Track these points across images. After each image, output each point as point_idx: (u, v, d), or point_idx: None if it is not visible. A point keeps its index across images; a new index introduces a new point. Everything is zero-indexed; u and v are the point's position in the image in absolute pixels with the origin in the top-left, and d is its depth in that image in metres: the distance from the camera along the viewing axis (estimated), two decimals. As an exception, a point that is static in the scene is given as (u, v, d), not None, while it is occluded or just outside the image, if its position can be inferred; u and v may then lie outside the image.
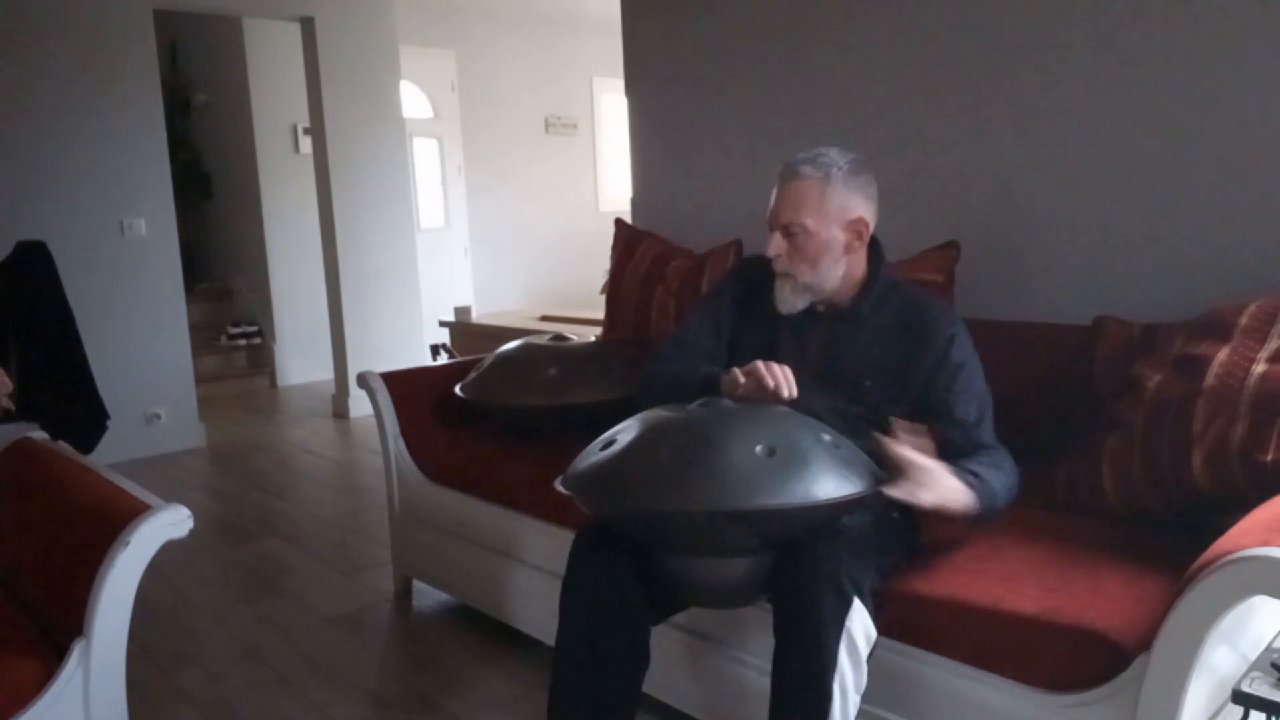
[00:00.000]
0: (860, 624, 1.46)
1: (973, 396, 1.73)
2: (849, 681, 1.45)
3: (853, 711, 1.47)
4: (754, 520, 1.42)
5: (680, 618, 1.87)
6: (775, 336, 1.85)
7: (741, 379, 1.66)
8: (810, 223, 1.72)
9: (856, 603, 1.46)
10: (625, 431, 1.57)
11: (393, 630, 2.69)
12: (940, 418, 1.72)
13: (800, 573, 1.47)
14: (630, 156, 3.42)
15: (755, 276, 1.91)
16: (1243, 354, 1.61)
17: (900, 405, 1.76)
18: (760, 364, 1.64)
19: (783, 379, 1.62)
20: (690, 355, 1.88)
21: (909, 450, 1.54)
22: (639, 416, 1.61)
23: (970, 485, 1.57)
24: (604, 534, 1.64)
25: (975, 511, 1.58)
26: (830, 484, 1.42)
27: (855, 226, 1.75)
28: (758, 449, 1.43)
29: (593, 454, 1.58)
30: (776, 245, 1.76)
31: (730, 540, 1.49)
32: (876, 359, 1.77)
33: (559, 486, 1.57)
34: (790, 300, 1.79)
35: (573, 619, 1.62)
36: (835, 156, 1.76)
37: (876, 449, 1.57)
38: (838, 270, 1.77)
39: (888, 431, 1.65)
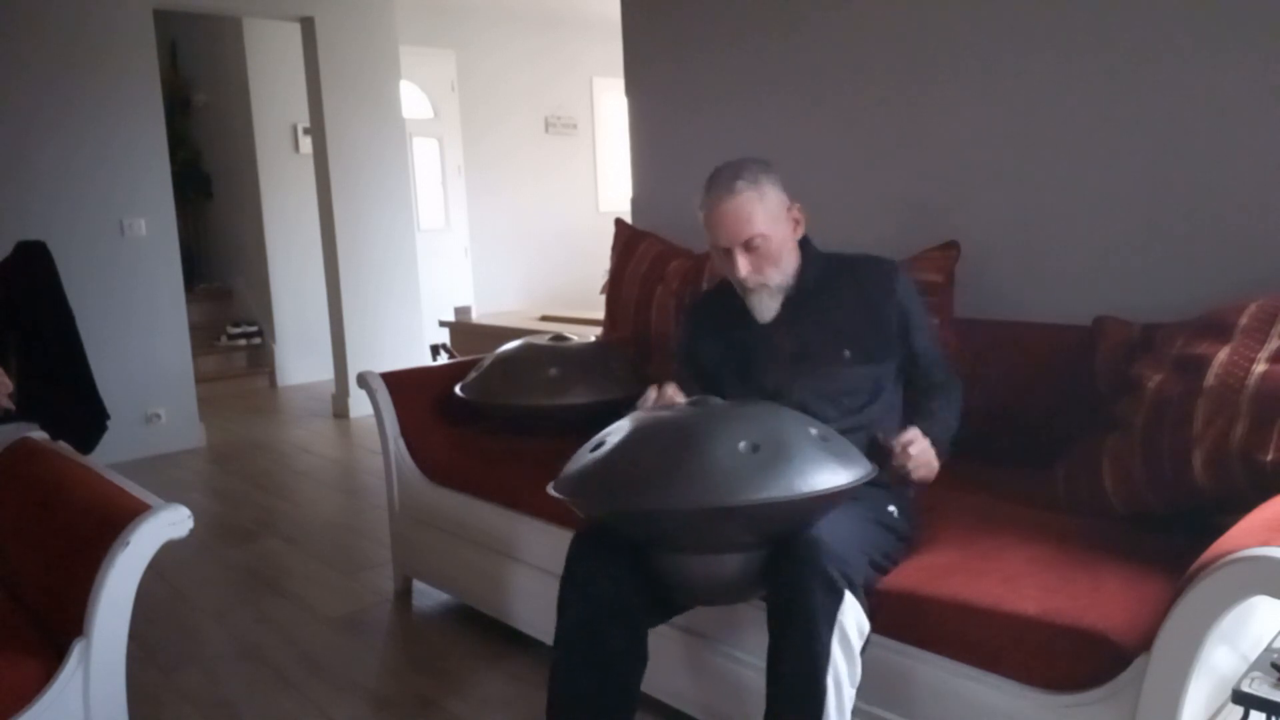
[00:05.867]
0: (853, 617, 1.47)
1: (926, 336, 1.89)
2: (843, 675, 1.46)
3: (848, 705, 1.48)
4: (738, 516, 1.43)
5: (678, 617, 1.87)
6: (746, 346, 1.91)
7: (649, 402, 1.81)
8: (766, 229, 1.79)
9: (848, 595, 1.47)
10: (614, 434, 1.59)
11: (393, 630, 2.69)
12: (905, 360, 1.88)
13: (789, 567, 1.48)
14: (630, 156, 3.42)
15: (711, 305, 2.02)
16: (1243, 354, 1.61)
17: (883, 363, 1.85)
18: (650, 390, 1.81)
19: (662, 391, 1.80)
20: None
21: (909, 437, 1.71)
22: (630, 417, 1.63)
23: (939, 443, 1.75)
24: (602, 534, 1.64)
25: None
26: (815, 477, 1.43)
27: (793, 214, 1.86)
28: (741, 445, 1.45)
29: (582, 457, 1.59)
30: (744, 264, 1.81)
31: (719, 536, 1.50)
32: (845, 328, 1.84)
33: (551, 491, 1.58)
34: (770, 306, 1.87)
35: (571, 619, 1.62)
36: (748, 164, 1.83)
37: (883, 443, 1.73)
38: (794, 260, 1.87)
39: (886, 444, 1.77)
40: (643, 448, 1.50)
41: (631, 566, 1.60)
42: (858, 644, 1.49)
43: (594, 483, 1.53)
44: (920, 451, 1.69)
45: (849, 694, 1.48)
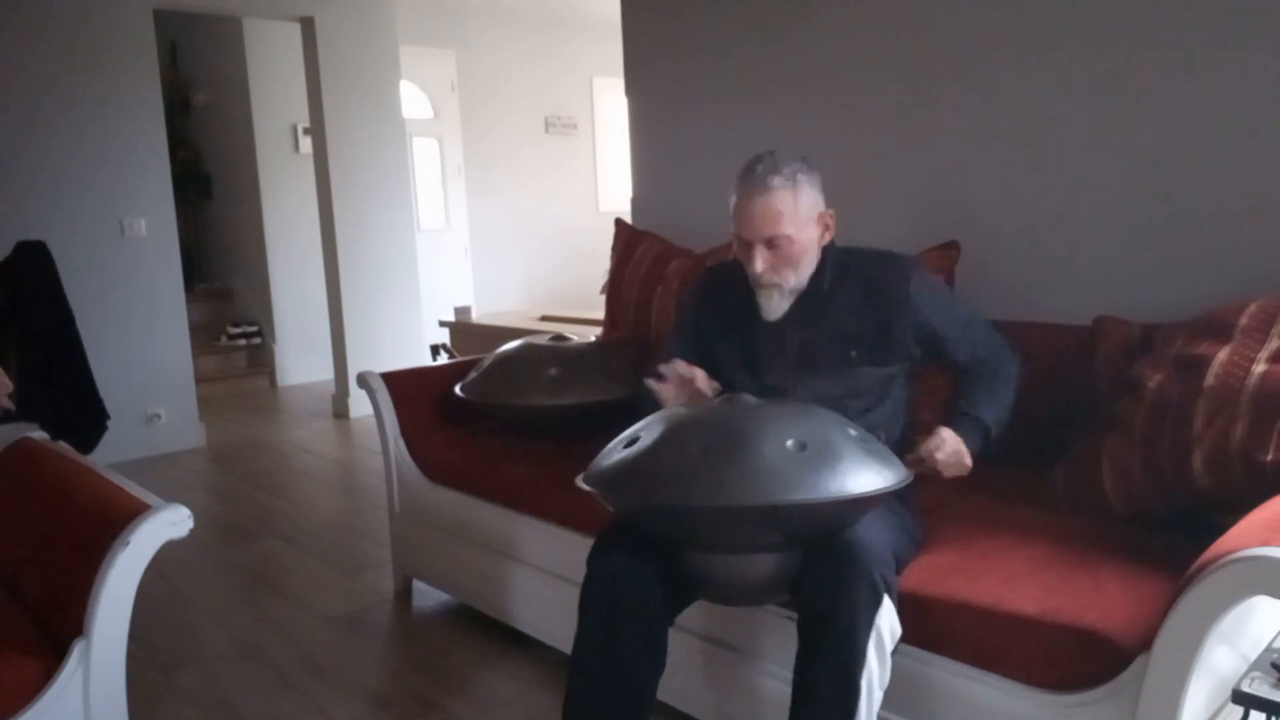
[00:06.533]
0: (888, 621, 1.47)
1: (954, 322, 1.85)
2: (875, 678, 1.45)
3: (876, 708, 1.47)
4: (787, 515, 1.40)
5: (694, 623, 1.86)
6: (753, 341, 1.89)
7: (664, 394, 1.77)
8: (792, 231, 1.77)
9: (886, 599, 1.46)
10: (649, 429, 1.55)
11: (393, 630, 2.69)
12: (941, 354, 1.84)
13: (830, 569, 1.46)
14: (630, 156, 3.42)
15: (720, 289, 1.98)
16: (1243, 354, 1.61)
17: (891, 365, 1.83)
18: (672, 370, 1.78)
19: (688, 372, 1.77)
20: None
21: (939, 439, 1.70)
22: (660, 414, 1.60)
23: (972, 441, 1.73)
24: (624, 534, 1.63)
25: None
26: (862, 478, 1.41)
27: (824, 220, 1.84)
28: (789, 444, 1.42)
29: (616, 451, 1.56)
30: (761, 261, 1.78)
31: (759, 536, 1.47)
32: (853, 328, 1.82)
33: (581, 483, 1.55)
34: (779, 306, 1.85)
35: (591, 618, 1.61)
36: (789, 160, 1.80)
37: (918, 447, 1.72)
38: (813, 263, 1.84)
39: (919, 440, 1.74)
40: (686, 443, 1.46)
41: (654, 568, 1.58)
42: (890, 647, 1.49)
43: (634, 477, 1.48)
44: (947, 455, 1.68)
45: (878, 697, 1.47)
